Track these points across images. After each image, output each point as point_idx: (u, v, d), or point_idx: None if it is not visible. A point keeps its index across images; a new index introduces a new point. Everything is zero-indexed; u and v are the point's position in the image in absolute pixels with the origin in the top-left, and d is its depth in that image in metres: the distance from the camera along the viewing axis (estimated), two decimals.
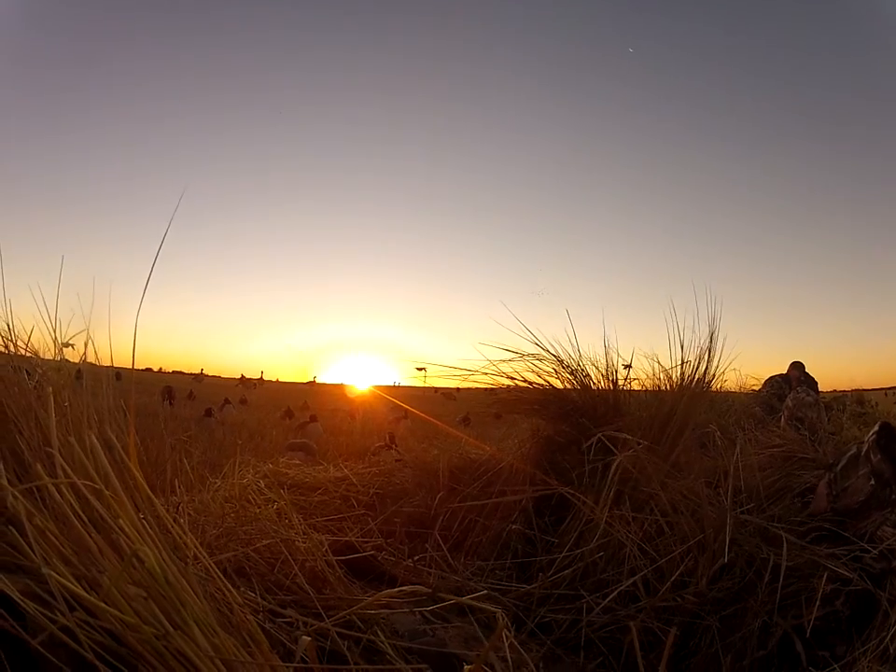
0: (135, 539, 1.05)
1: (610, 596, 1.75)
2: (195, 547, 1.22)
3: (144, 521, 1.10)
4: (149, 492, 1.17)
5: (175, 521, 1.26)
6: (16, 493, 1.00)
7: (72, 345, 1.67)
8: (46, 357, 1.69)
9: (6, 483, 1.03)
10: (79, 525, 1.05)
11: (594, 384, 2.64)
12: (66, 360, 1.68)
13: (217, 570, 1.21)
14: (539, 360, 2.70)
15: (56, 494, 1.05)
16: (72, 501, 1.06)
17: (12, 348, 1.64)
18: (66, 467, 1.10)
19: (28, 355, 1.68)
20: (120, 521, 1.07)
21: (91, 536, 1.05)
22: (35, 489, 1.11)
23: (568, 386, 2.69)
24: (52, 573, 0.96)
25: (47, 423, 1.27)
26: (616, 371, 2.65)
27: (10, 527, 1.01)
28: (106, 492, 1.07)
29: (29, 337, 1.67)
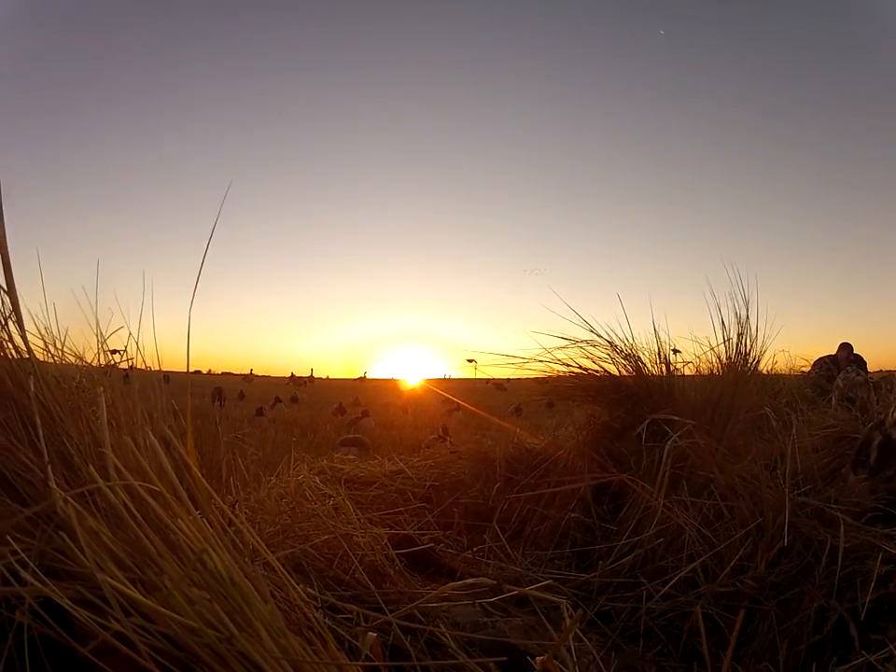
0: (196, 540, 1.06)
1: (670, 583, 1.77)
2: (257, 543, 1.23)
3: (204, 520, 1.10)
4: (210, 489, 1.18)
5: (232, 519, 1.28)
6: (67, 497, 1.02)
7: (118, 350, 1.69)
8: (92, 363, 1.71)
9: (55, 486, 1.06)
10: (136, 527, 1.04)
11: (647, 369, 2.66)
12: (113, 364, 1.71)
13: (280, 566, 1.22)
14: (593, 346, 2.73)
15: (110, 495, 1.04)
16: (127, 503, 1.05)
17: (55, 353, 1.64)
18: (121, 467, 1.09)
19: (73, 361, 1.69)
20: (180, 521, 1.07)
21: (148, 538, 1.04)
22: (86, 492, 1.12)
23: (624, 372, 2.71)
24: (108, 578, 0.95)
25: (97, 423, 1.30)
26: (667, 356, 2.67)
27: (61, 532, 1.01)
28: (165, 492, 1.08)
29: (58, 340, 1.67)
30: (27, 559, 1.00)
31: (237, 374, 22.95)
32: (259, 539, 1.27)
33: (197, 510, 1.12)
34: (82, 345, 1.67)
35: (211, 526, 1.10)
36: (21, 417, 1.31)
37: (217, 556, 1.03)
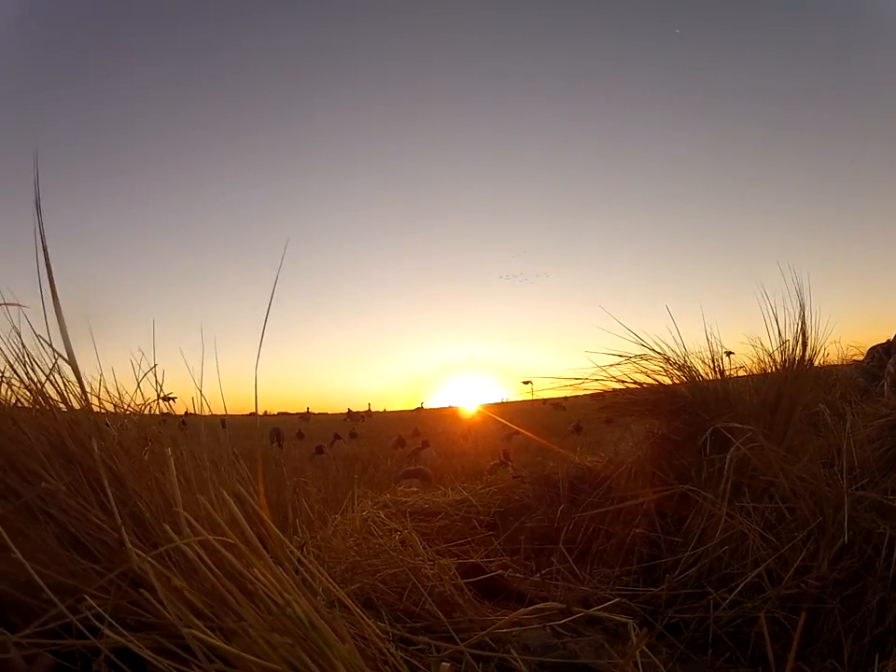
0: (272, 587, 1.13)
1: (736, 590, 1.80)
2: (329, 583, 1.30)
3: (279, 567, 1.18)
4: (282, 537, 1.25)
5: (303, 561, 1.33)
6: (146, 557, 1.10)
7: (174, 398, 1.82)
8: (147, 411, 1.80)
9: (131, 546, 1.12)
10: (213, 579, 1.11)
11: (701, 376, 2.70)
12: (169, 412, 1.83)
13: (353, 605, 1.29)
14: (646, 360, 2.80)
15: (188, 552, 1.12)
16: (203, 556, 1.13)
17: (111, 404, 1.73)
18: (194, 523, 1.17)
19: (129, 410, 1.78)
20: (255, 570, 1.14)
21: (225, 587, 1.11)
22: (158, 546, 1.19)
23: (678, 382, 2.76)
24: (193, 631, 1.02)
25: (167, 480, 1.37)
26: (721, 361, 2.71)
27: (141, 590, 1.10)
28: (240, 543, 1.16)
29: (102, 390, 1.74)
30: (103, 613, 1.09)
31: (294, 413, 23.24)
32: (329, 578, 1.35)
33: (273, 556, 1.20)
34: (134, 390, 1.76)
35: (286, 573, 1.18)
36: (87, 479, 1.40)
37: (297, 603, 1.10)
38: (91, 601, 1.10)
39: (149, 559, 1.11)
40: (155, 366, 1.73)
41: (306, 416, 23.07)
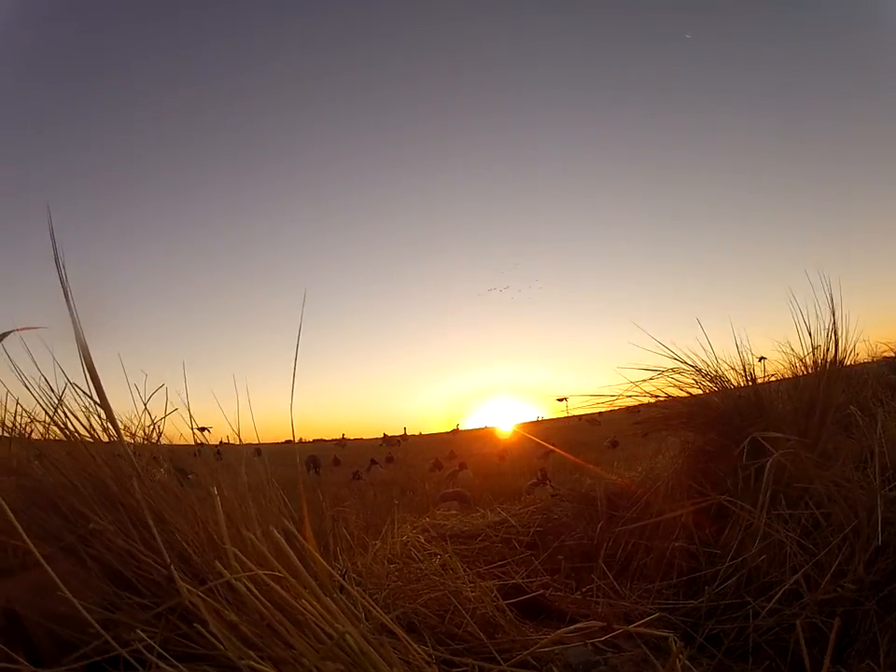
0: (321, 616, 1.21)
1: (775, 598, 1.82)
2: (372, 608, 1.38)
3: (329, 598, 1.24)
4: (329, 568, 1.34)
5: (348, 589, 1.43)
6: (197, 591, 1.18)
7: (208, 429, 1.88)
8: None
9: (181, 582, 1.20)
10: (263, 610, 1.19)
11: (732, 385, 2.72)
12: (204, 443, 1.89)
13: (400, 630, 1.35)
14: (679, 374, 2.84)
15: (241, 587, 1.19)
16: (252, 588, 1.21)
17: (138, 436, 1.81)
18: (242, 558, 1.25)
19: (164, 442, 1.86)
20: (303, 601, 1.22)
21: (275, 618, 1.18)
22: (207, 581, 1.28)
23: (708, 392, 2.79)
24: (248, 661, 1.10)
25: (213, 521, 1.45)
26: (753, 368, 2.72)
27: (195, 624, 1.16)
28: (289, 576, 1.23)
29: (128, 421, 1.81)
30: (153, 644, 1.16)
31: (329, 440, 23.33)
32: (373, 604, 1.42)
33: (322, 588, 1.26)
34: (160, 419, 1.84)
35: (335, 603, 1.25)
36: (130, 518, 1.47)
37: (352, 633, 1.16)
38: (141, 633, 1.17)
39: (199, 593, 1.18)
40: (188, 402, 1.80)
41: (342, 442, 23.17)
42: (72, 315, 1.48)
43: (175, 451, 1.90)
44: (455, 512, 3.35)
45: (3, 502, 1.20)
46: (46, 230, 1.45)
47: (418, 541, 2.44)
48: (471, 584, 2.03)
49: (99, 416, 1.66)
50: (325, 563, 1.34)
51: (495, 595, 1.97)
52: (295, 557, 1.28)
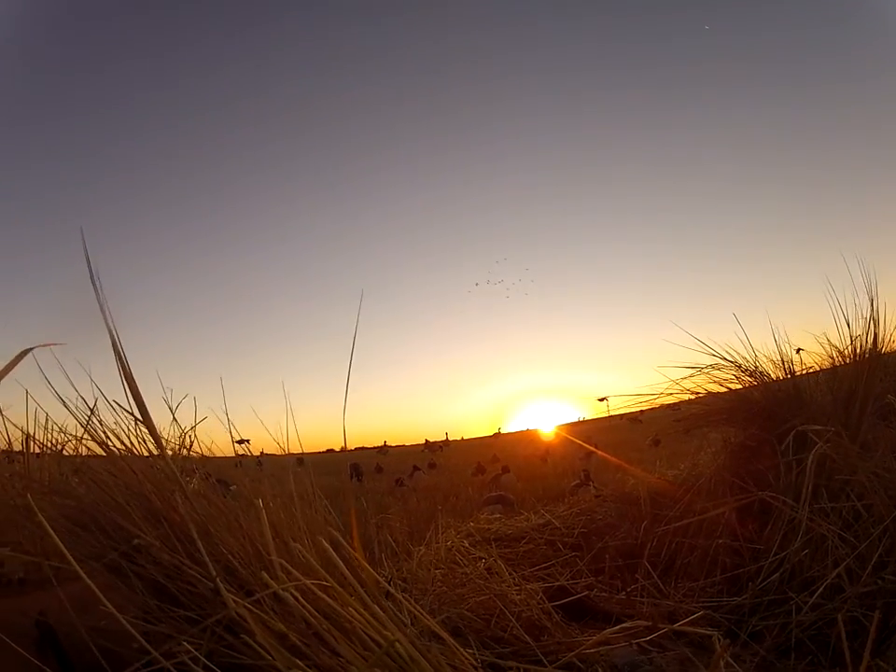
0: (369, 624, 1.25)
1: (817, 593, 1.82)
2: (420, 614, 1.42)
3: (377, 605, 1.28)
4: (377, 577, 1.38)
5: (395, 596, 1.46)
6: (245, 604, 1.23)
7: (247, 441, 1.94)
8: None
9: (227, 594, 1.25)
10: (310, 618, 1.24)
11: (770, 379, 2.73)
12: (244, 454, 1.96)
13: (447, 636, 1.38)
14: (718, 370, 2.85)
15: (289, 598, 1.23)
16: (299, 597, 1.25)
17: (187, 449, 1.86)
18: (290, 568, 1.29)
19: (205, 454, 1.91)
20: (350, 609, 1.25)
21: (322, 627, 1.23)
22: (253, 592, 1.32)
23: (748, 386, 2.79)
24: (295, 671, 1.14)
25: (259, 533, 1.49)
26: (791, 361, 2.73)
27: (243, 635, 1.21)
28: (336, 585, 1.28)
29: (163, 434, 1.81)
30: (199, 655, 1.21)
31: (371, 448, 23.42)
32: (420, 609, 1.46)
33: (370, 595, 1.31)
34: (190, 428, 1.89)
35: (383, 610, 1.29)
36: (173, 533, 1.52)
37: (402, 641, 1.21)
38: (187, 645, 1.22)
39: (246, 604, 1.24)
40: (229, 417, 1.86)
41: (384, 450, 23.26)
42: (111, 333, 1.55)
43: (215, 462, 1.96)
44: (498, 516, 3.40)
45: (45, 522, 1.26)
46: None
47: (463, 546, 2.48)
48: (517, 587, 2.07)
49: (138, 431, 1.72)
50: (372, 571, 1.38)
51: (540, 598, 2.00)
52: (343, 566, 1.33)
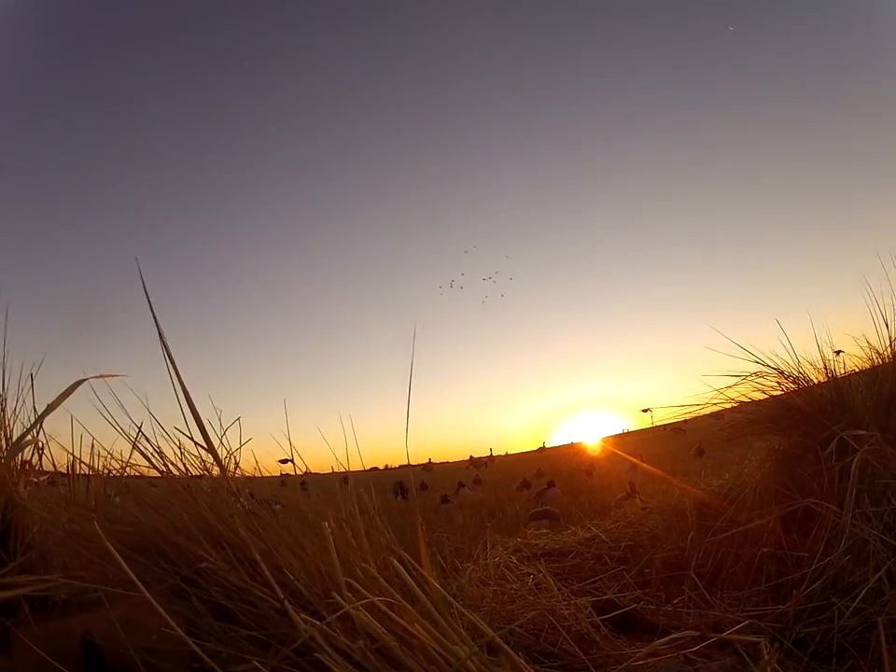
0: (435, 639, 1.31)
1: (859, 597, 1.85)
2: (484, 628, 1.45)
3: (444, 621, 1.35)
4: (445, 594, 1.45)
5: (461, 611, 1.52)
6: (315, 622, 1.30)
7: (290, 461, 1.99)
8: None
9: (296, 615, 1.32)
10: (382, 635, 1.30)
11: (813, 383, 2.76)
12: (288, 473, 2.02)
13: (511, 652, 1.40)
14: (762, 378, 2.87)
15: (361, 617, 1.30)
16: (367, 615, 1.31)
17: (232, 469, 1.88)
18: (358, 587, 1.36)
19: (248, 475, 1.95)
20: (417, 626, 1.32)
21: (389, 642, 1.29)
22: (317, 610, 1.40)
23: (790, 392, 2.82)
24: None
25: (326, 555, 1.53)
26: (834, 365, 2.75)
27: (317, 654, 1.26)
28: (404, 603, 1.34)
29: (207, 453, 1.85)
30: None
31: (415, 465, 23.46)
32: (483, 623, 1.50)
33: (438, 611, 1.38)
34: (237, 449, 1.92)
35: (450, 628, 1.36)
36: (235, 555, 1.57)
37: (468, 656, 1.28)
38: (256, 663, 1.30)
39: (316, 623, 1.31)
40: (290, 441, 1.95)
41: (428, 467, 23.28)
42: (170, 363, 1.63)
43: (258, 482, 2.03)
44: (545, 531, 3.44)
45: (112, 550, 1.33)
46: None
47: (511, 562, 2.53)
48: (566, 602, 2.12)
49: (183, 453, 1.80)
50: (440, 588, 1.45)
51: (589, 612, 2.05)
52: (413, 584, 1.40)
